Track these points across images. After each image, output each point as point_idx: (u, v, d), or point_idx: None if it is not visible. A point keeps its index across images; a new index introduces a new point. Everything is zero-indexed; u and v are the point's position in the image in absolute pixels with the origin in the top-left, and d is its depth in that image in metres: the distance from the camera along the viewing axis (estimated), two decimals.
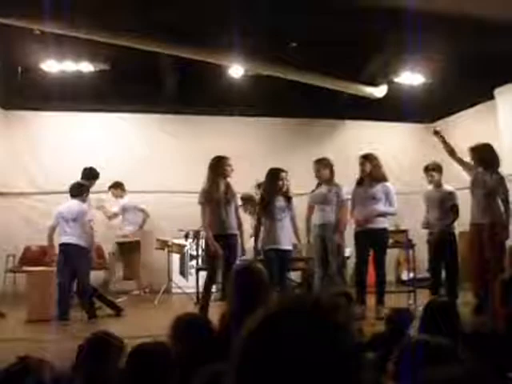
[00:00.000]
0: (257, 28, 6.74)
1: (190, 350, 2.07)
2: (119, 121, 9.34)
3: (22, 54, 7.52)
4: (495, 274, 4.87)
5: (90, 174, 7.07)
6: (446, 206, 6.43)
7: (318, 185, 6.39)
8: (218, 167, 5.85)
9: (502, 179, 5.93)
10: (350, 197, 6.36)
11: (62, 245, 6.29)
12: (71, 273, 6.20)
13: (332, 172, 6.35)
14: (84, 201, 6.49)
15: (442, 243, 6.33)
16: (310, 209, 6.40)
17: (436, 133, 6.26)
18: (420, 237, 6.86)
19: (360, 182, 6.35)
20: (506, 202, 5.84)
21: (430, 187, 6.63)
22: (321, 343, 0.84)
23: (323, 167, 6.31)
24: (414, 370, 1.61)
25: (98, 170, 7.21)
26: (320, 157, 6.49)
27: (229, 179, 5.92)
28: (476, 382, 1.54)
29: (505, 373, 2.05)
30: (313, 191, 6.45)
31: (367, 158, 6.32)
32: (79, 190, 6.48)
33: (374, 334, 3.48)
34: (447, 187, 6.57)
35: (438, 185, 6.55)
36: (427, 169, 6.62)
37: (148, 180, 8.95)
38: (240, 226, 5.95)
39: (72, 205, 6.43)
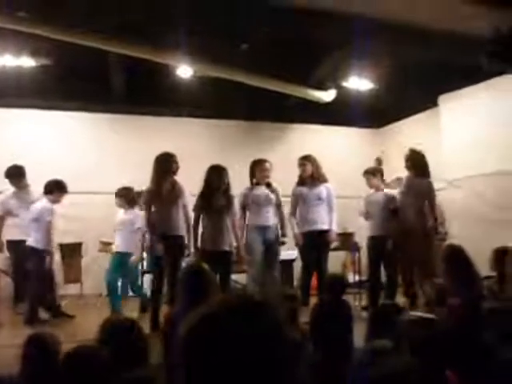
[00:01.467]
0: (205, 28, 6.68)
1: (115, 353, 2.00)
2: (65, 119, 9.06)
3: None
4: (428, 274, 5.05)
5: (17, 172, 6.74)
6: (386, 209, 6.51)
7: (256, 184, 6.10)
8: (164, 164, 5.62)
9: (431, 184, 6.27)
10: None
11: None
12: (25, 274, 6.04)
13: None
14: (54, 201, 6.19)
15: (383, 248, 6.35)
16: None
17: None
18: (366, 240, 6.93)
19: (301, 183, 6.34)
20: (433, 206, 6.20)
21: (371, 191, 6.67)
22: (255, 340, 0.87)
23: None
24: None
25: (43, 168, 6.98)
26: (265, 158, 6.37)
27: (175, 177, 5.68)
28: (412, 376, 1.56)
29: (443, 371, 2.07)
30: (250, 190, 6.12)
31: (308, 159, 6.36)
32: (46, 189, 6.22)
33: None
34: (388, 191, 6.64)
35: (378, 188, 6.61)
36: (366, 172, 6.70)
37: (95, 180, 8.70)
38: (188, 226, 5.65)
39: (36, 204, 6.21)
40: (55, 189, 6.20)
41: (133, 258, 6.38)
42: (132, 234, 6.37)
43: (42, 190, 6.64)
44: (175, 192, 5.60)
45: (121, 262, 6.41)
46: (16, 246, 6.54)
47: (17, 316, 6.25)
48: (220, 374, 0.84)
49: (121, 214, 6.60)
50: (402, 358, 1.71)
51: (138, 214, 6.35)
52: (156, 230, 5.55)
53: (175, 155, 5.72)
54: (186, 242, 5.63)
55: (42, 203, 6.17)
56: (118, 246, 6.56)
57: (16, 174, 6.68)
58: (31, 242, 6.05)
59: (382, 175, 6.67)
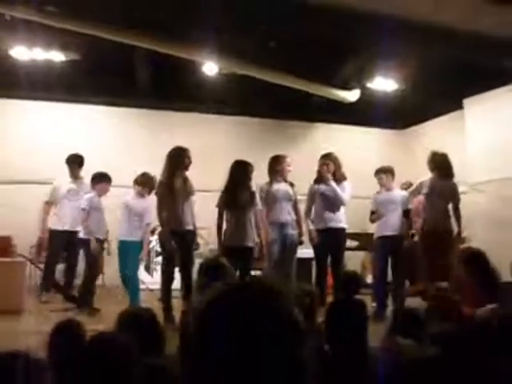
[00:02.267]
0: (232, 26, 6.73)
1: (134, 342, 2.07)
2: (91, 112, 9.22)
3: None
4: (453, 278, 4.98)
5: (76, 161, 6.88)
6: (398, 209, 6.39)
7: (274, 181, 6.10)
8: (177, 159, 5.63)
9: (455, 186, 6.24)
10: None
11: None
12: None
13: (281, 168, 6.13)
14: (99, 193, 6.32)
15: (393, 248, 6.27)
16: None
17: None
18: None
19: (318, 181, 6.28)
20: (457, 208, 6.16)
21: (382, 190, 6.52)
22: (269, 319, 0.94)
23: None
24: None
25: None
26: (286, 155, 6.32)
27: (199, 174, 5.73)
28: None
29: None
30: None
31: (330, 158, 6.32)
32: (91, 182, 6.37)
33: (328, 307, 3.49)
34: (398, 191, 6.55)
35: (388, 188, 6.49)
36: (377, 171, 6.56)
37: (120, 174, 8.83)
38: (194, 221, 5.69)
39: (86, 196, 6.38)
40: (98, 181, 6.34)
41: (143, 254, 6.28)
42: (143, 227, 6.28)
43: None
44: (187, 188, 5.63)
45: (125, 251, 6.18)
46: (54, 236, 6.66)
47: (41, 304, 6.40)
48: (232, 346, 0.90)
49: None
50: (424, 350, 1.70)
51: (148, 206, 6.22)
52: (168, 225, 5.56)
53: (188, 150, 5.71)
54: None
55: (89, 195, 6.31)
56: (121, 234, 6.27)
57: (75, 162, 6.86)
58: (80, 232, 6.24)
59: (393, 175, 6.59)
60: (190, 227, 5.63)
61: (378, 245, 6.41)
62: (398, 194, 6.49)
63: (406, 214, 6.37)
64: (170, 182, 5.57)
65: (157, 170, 6.47)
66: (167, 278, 5.62)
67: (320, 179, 6.31)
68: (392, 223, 6.33)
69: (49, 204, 6.80)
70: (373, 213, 6.46)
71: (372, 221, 6.53)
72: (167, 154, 5.70)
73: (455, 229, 6.14)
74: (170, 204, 5.57)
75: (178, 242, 5.51)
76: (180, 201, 5.56)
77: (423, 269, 6.18)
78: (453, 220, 6.19)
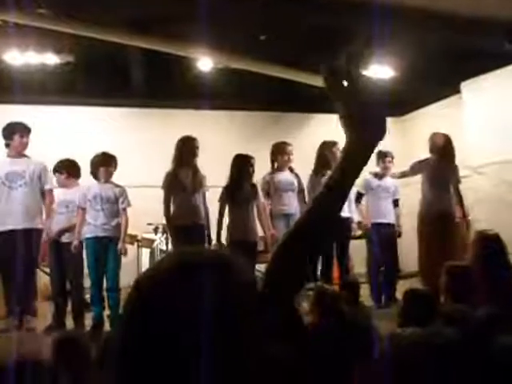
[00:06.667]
0: (224, 19, 6.68)
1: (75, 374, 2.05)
2: (86, 114, 9.17)
3: None
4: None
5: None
6: (391, 197, 6.39)
7: (278, 169, 6.10)
8: (185, 148, 5.54)
9: (457, 168, 6.18)
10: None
11: None
12: None
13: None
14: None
15: (388, 235, 6.27)
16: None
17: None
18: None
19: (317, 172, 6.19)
20: (458, 190, 6.13)
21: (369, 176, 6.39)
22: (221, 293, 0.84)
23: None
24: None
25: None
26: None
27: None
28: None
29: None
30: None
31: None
32: None
33: None
34: (390, 179, 6.50)
35: (383, 175, 6.45)
36: (387, 154, 6.42)
37: (117, 174, 8.78)
38: (207, 215, 5.58)
39: None
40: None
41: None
42: None
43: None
44: (197, 179, 5.53)
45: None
46: None
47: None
48: (175, 321, 0.81)
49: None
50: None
51: None
52: (176, 220, 5.47)
53: (196, 139, 5.62)
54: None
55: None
56: None
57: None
58: None
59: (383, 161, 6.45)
60: (201, 221, 5.50)
61: (372, 232, 6.30)
62: (391, 181, 6.44)
63: (396, 203, 6.36)
64: (178, 174, 5.44)
65: (154, 170, 6.42)
66: None
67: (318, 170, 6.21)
68: (386, 211, 6.25)
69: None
70: (360, 195, 6.26)
71: (359, 203, 6.31)
72: (175, 144, 5.56)
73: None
74: (179, 197, 5.45)
75: (188, 236, 5.42)
76: (189, 193, 5.44)
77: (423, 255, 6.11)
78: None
